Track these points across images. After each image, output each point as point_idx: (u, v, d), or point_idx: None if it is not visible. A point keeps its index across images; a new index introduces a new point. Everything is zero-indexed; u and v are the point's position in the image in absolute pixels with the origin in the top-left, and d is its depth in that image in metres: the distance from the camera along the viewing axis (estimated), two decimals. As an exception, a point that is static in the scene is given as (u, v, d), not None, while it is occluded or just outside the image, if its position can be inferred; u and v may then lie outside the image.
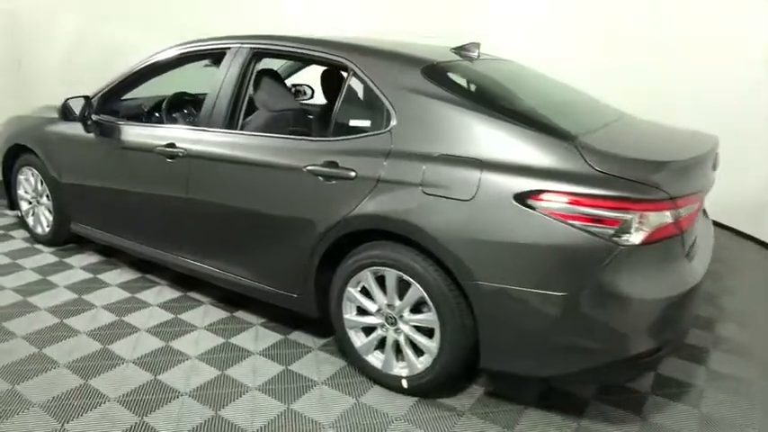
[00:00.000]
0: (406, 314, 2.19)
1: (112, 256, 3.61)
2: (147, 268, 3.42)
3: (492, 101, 2.19)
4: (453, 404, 2.25)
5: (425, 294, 2.09)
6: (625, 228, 1.79)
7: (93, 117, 3.13)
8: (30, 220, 3.81)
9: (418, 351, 2.22)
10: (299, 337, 2.73)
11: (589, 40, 4.26)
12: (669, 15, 4.13)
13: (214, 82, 2.73)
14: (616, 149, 1.96)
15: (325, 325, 2.57)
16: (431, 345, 2.15)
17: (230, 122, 2.65)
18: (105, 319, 2.84)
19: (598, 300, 1.83)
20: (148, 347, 2.59)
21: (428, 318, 2.12)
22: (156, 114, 3.45)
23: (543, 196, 1.85)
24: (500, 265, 1.92)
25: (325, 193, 2.27)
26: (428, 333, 2.17)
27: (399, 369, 2.27)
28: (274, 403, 2.22)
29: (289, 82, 4.21)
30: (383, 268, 2.18)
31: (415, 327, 2.19)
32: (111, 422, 2.08)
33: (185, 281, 3.24)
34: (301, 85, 4.39)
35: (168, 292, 3.16)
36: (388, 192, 2.11)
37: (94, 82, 3.29)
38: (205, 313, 2.94)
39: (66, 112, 3.09)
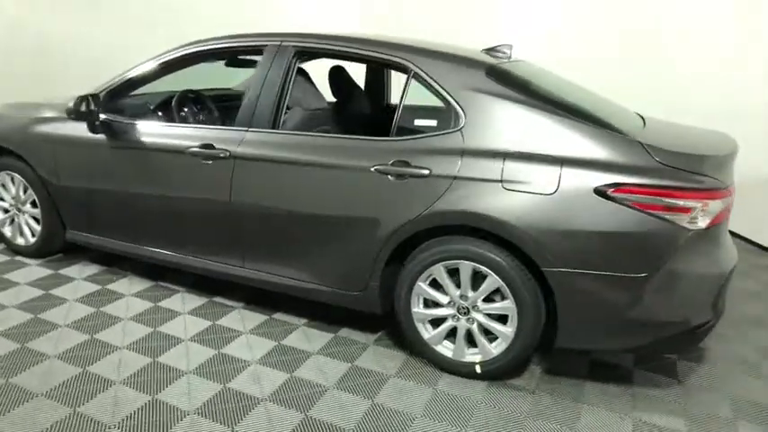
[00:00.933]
0: (480, 303, 2.32)
1: (111, 264, 3.39)
2: (157, 275, 3.25)
3: (554, 100, 2.35)
4: (522, 384, 2.41)
5: (503, 284, 2.23)
6: (694, 215, 2.04)
7: (102, 116, 2.91)
8: (6, 231, 3.46)
9: (487, 337, 2.36)
10: (349, 333, 2.76)
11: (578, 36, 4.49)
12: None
13: (252, 80, 2.66)
14: (671, 145, 2.20)
15: (368, 319, 2.63)
16: (507, 330, 2.29)
17: (275, 122, 2.60)
18: (140, 332, 2.68)
19: (673, 278, 2.07)
20: (203, 356, 2.50)
21: (505, 305, 2.26)
22: (161, 113, 3.26)
23: (622, 189, 2.05)
24: (582, 252, 2.10)
25: (396, 191, 2.32)
26: (500, 320, 2.32)
27: (471, 356, 2.39)
28: (358, 400, 2.26)
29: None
30: (458, 261, 2.29)
31: (487, 315, 2.33)
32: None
33: (204, 286, 3.13)
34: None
35: (192, 299, 3.03)
36: (467, 188, 2.21)
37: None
38: (242, 317, 2.87)
39: (80, 112, 2.84)
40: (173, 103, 3.21)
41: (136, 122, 2.90)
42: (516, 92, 2.29)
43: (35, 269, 3.30)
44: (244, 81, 4.08)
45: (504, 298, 2.27)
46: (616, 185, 2.05)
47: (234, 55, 2.90)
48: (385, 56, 2.48)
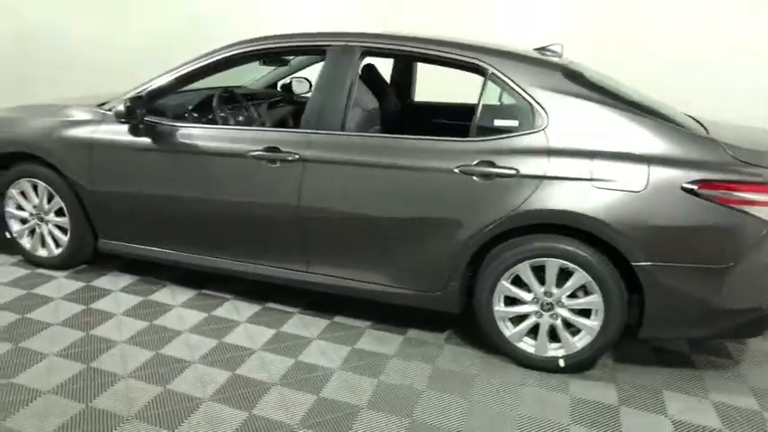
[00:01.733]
0: (565, 299, 2.38)
1: (144, 274, 3.22)
2: (197, 284, 3.13)
3: (629, 100, 2.43)
4: (599, 374, 2.50)
5: (591, 279, 2.30)
6: (773, 207, 2.18)
7: (147, 119, 2.75)
8: (25, 242, 3.22)
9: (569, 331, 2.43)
10: (418, 334, 2.76)
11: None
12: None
13: (318, 82, 2.60)
14: (741, 143, 2.32)
15: (432, 318, 2.67)
16: (592, 324, 2.36)
17: (344, 124, 2.56)
18: (205, 344, 2.58)
19: (753, 267, 2.20)
20: (282, 366, 2.44)
21: (592, 300, 2.33)
22: (199, 114, 3.12)
23: (707, 185, 2.16)
24: (670, 246, 2.20)
25: (482, 192, 2.34)
26: (581, 314, 2.39)
27: (554, 351, 2.45)
28: (457, 400, 2.27)
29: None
30: (545, 259, 2.34)
31: (571, 310, 2.39)
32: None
33: (253, 292, 3.04)
34: (300, 77, 4.24)
35: (244, 306, 2.94)
36: (556, 187, 2.25)
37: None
38: (305, 323, 2.81)
39: (132, 114, 2.67)
40: (213, 103, 3.08)
41: (185, 125, 2.78)
42: (594, 92, 2.36)
43: (64, 282, 3.10)
44: (259, 79, 3.98)
45: (587, 293, 2.34)
46: (702, 182, 2.16)
47: (291, 55, 2.81)
48: (460, 57, 2.49)
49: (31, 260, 3.26)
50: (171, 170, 2.78)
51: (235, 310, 2.91)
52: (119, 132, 2.83)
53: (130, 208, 2.91)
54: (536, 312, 2.43)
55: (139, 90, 2.83)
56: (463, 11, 4.57)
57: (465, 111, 3.67)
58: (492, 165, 2.33)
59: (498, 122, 2.41)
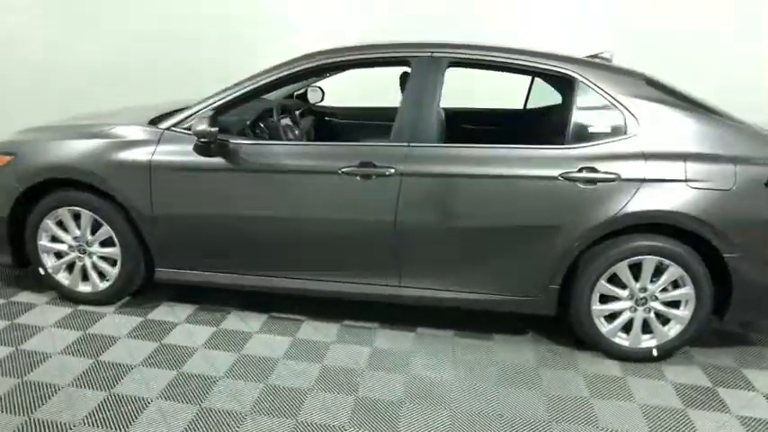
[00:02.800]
0: (658, 293, 2.54)
1: (198, 301, 3.02)
2: (262, 307, 2.98)
3: (705, 105, 2.63)
4: (681, 360, 2.70)
5: (684, 273, 2.47)
6: None
7: (220, 138, 2.59)
8: (62, 278, 2.91)
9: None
10: (505, 339, 2.82)
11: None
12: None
13: (407, 94, 2.58)
14: None
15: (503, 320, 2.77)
16: (683, 314, 2.55)
17: (439, 136, 2.55)
18: (312, 370, 2.48)
19: None
20: (395, 386, 2.40)
21: (685, 292, 2.51)
22: (259, 129, 2.97)
23: (787, 181, 2.40)
24: (756, 238, 2.42)
25: (585, 197, 2.44)
26: (671, 306, 2.57)
27: (647, 342, 2.61)
28: (597, 400, 2.37)
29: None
30: (643, 257, 2.48)
31: (663, 303, 2.56)
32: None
33: (323, 311, 2.95)
34: (315, 87, 4.15)
35: (323, 327, 2.85)
36: (655, 189, 2.40)
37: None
38: (389, 337, 2.78)
39: (209, 132, 2.48)
40: (274, 116, 2.94)
41: (263, 142, 2.67)
42: (675, 98, 2.54)
43: (118, 318, 2.84)
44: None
45: (676, 286, 2.52)
46: (782, 178, 2.40)
47: (373, 66, 2.74)
48: (550, 67, 2.57)
49: (69, 297, 2.95)
50: (247, 189, 2.64)
51: (316, 331, 2.81)
52: (183, 152, 2.64)
53: (197, 232, 2.73)
54: (631, 308, 2.58)
55: (207, 105, 2.66)
56: (461, 11, 4.65)
57: (498, 115, 3.80)
58: (594, 171, 2.43)
59: (593, 129, 2.51)
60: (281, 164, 2.60)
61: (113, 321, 2.81)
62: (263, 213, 2.65)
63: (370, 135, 3.74)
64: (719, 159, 2.42)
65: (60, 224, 2.84)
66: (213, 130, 2.49)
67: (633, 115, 2.48)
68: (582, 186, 2.44)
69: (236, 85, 2.70)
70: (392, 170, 2.51)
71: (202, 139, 2.53)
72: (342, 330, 2.83)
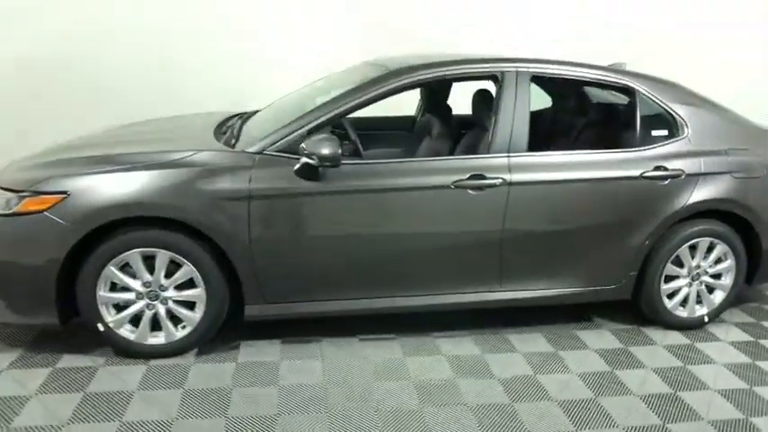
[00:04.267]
0: (709, 268, 3.01)
1: (281, 336, 2.79)
2: (351, 328, 2.87)
3: (724, 106, 3.14)
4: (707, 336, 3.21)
5: (729, 249, 2.97)
6: None
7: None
8: (125, 332, 2.50)
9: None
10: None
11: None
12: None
13: (501, 106, 2.69)
14: None
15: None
16: (726, 283, 3.04)
17: (532, 145, 2.72)
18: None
19: None
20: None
21: (728, 265, 3.00)
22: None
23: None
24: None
25: (661, 192, 2.80)
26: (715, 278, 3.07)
27: (699, 311, 3.07)
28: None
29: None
30: (699, 239, 2.92)
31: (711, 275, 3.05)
32: None
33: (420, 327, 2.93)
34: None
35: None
36: (710, 181, 2.85)
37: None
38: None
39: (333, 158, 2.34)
40: (351, 136, 2.84)
41: (370, 162, 2.63)
42: (705, 102, 3.02)
43: (209, 367, 2.50)
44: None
45: (718, 261, 3.01)
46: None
47: (464, 80, 2.77)
48: (614, 80, 2.88)
49: (133, 352, 2.54)
50: (357, 210, 2.55)
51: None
52: (283, 176, 2.45)
53: (299, 261, 2.55)
54: (688, 283, 3.01)
55: (302, 126, 2.50)
56: (462, 18, 4.82)
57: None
58: (665, 169, 2.80)
59: (655, 133, 2.88)
60: (393, 182, 2.56)
61: (206, 370, 2.49)
62: (375, 231, 2.60)
63: (379, 145, 3.76)
64: (752, 153, 2.95)
65: (127, 269, 2.44)
66: (339, 152, 2.36)
67: (683, 119, 2.90)
68: (658, 183, 2.79)
69: (326, 105, 2.58)
70: (500, 180, 2.62)
71: (326, 163, 2.38)
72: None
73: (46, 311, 2.42)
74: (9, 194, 2.40)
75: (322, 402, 2.32)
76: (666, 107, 2.91)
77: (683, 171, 2.82)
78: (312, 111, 2.58)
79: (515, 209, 2.66)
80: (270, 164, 2.47)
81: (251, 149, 2.51)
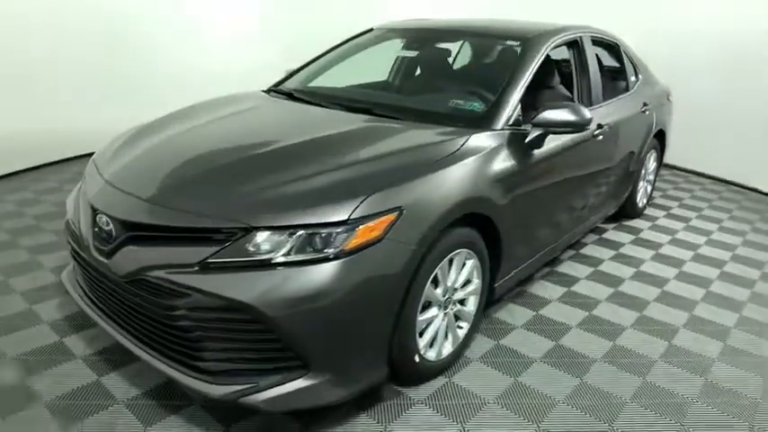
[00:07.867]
0: None
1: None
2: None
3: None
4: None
5: None
6: None
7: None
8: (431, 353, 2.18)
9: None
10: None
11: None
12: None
13: (580, 66, 3.27)
14: None
15: None
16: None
17: (603, 96, 3.39)
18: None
19: None
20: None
21: None
22: None
23: None
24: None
25: (648, 121, 3.92)
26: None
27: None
28: None
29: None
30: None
31: None
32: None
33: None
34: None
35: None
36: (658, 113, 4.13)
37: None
38: None
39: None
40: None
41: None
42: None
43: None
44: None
45: None
46: None
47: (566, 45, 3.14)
48: (605, 38, 3.74)
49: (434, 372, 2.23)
50: (562, 167, 2.88)
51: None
52: (522, 149, 2.51)
53: (535, 226, 2.76)
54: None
55: (513, 100, 2.58)
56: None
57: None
58: (647, 105, 3.92)
59: (633, 80, 3.95)
60: (579, 138, 2.94)
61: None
62: (576, 174, 3.03)
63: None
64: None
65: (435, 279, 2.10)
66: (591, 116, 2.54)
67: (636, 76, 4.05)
68: (646, 114, 3.90)
69: (514, 77, 2.67)
70: (609, 127, 3.27)
71: (588, 127, 2.63)
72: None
73: (378, 366, 1.93)
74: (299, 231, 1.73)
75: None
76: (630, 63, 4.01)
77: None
78: (509, 83, 2.63)
79: (612, 149, 3.41)
80: (511, 139, 2.47)
81: (496, 127, 2.45)
